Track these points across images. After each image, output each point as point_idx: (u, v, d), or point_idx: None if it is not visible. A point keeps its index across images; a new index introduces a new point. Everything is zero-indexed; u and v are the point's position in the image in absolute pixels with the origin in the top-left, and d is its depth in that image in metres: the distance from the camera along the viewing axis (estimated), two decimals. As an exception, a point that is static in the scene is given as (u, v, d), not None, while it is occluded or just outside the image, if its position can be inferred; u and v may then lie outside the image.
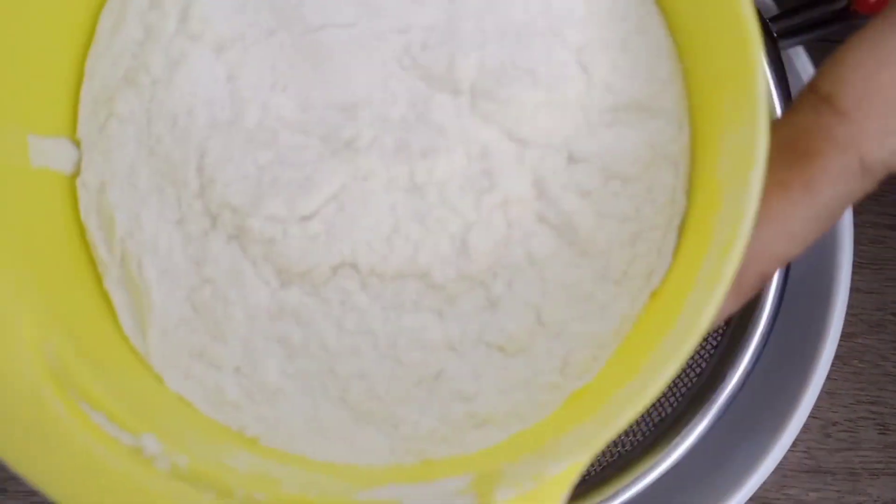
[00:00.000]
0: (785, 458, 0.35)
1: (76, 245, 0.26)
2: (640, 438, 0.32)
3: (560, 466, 0.20)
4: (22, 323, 0.23)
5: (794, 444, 0.35)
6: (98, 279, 0.26)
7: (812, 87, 0.24)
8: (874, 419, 0.46)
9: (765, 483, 0.35)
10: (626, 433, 0.33)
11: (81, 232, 0.26)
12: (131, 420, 0.23)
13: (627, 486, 0.31)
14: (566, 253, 0.24)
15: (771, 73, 0.33)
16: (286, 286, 0.25)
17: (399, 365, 0.24)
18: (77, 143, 0.26)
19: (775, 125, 0.24)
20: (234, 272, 0.25)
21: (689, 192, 0.24)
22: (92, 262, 0.26)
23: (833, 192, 0.23)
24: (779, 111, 0.32)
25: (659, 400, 0.33)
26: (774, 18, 0.33)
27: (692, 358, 0.33)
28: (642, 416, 0.33)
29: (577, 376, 0.24)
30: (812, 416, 0.35)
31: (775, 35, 0.33)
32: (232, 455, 0.24)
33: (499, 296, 0.24)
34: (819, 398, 0.35)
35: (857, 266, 0.36)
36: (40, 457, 0.22)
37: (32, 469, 0.21)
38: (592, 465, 0.33)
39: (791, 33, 0.34)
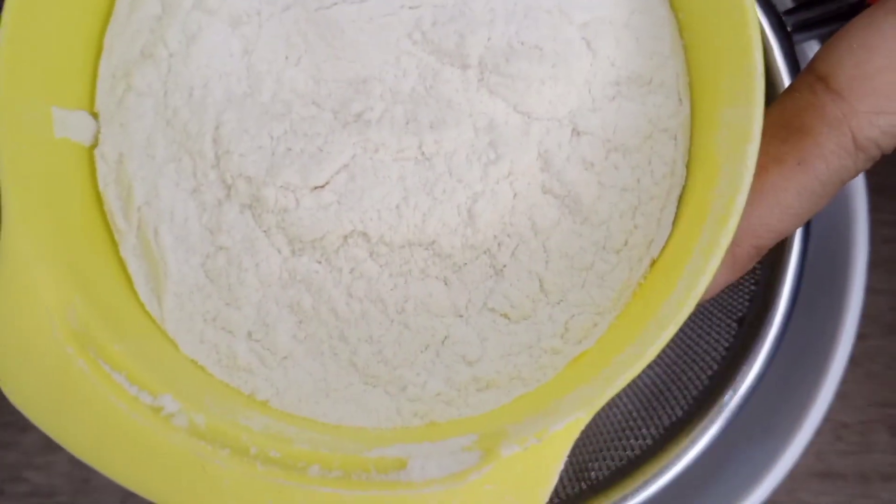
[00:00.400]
0: (795, 461, 0.34)
1: (93, 214, 0.27)
2: (650, 442, 0.32)
3: (562, 424, 0.21)
4: (45, 287, 0.24)
5: (805, 448, 0.34)
6: (114, 247, 0.27)
7: (810, 67, 0.25)
8: (886, 422, 0.45)
9: (775, 487, 0.34)
10: (636, 437, 0.32)
11: (98, 201, 0.27)
12: (150, 381, 0.24)
13: (636, 491, 0.31)
14: (569, 223, 0.25)
15: (785, 68, 0.32)
16: (298, 254, 0.26)
17: (407, 330, 0.25)
18: (95, 116, 0.27)
19: (774, 103, 0.25)
20: (248, 240, 0.26)
21: (689, 164, 0.25)
22: (108, 230, 0.27)
23: (826, 167, 0.24)
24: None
25: (669, 402, 0.33)
26: (789, 12, 0.33)
27: (703, 360, 0.33)
28: (652, 419, 0.33)
29: (577, 342, 0.25)
30: (823, 418, 0.35)
31: (789, 29, 0.33)
32: (246, 415, 0.25)
33: (504, 264, 0.25)
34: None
35: (870, 265, 0.35)
36: (65, 413, 0.23)
37: (57, 425, 0.23)
38: (601, 469, 0.32)
39: (805, 27, 0.33)
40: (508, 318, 0.25)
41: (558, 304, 0.25)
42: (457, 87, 0.25)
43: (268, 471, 0.23)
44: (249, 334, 0.26)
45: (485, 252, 0.25)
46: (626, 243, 0.25)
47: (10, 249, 0.24)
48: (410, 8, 0.26)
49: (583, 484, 0.32)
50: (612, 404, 0.35)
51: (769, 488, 0.34)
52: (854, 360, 0.35)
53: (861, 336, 0.35)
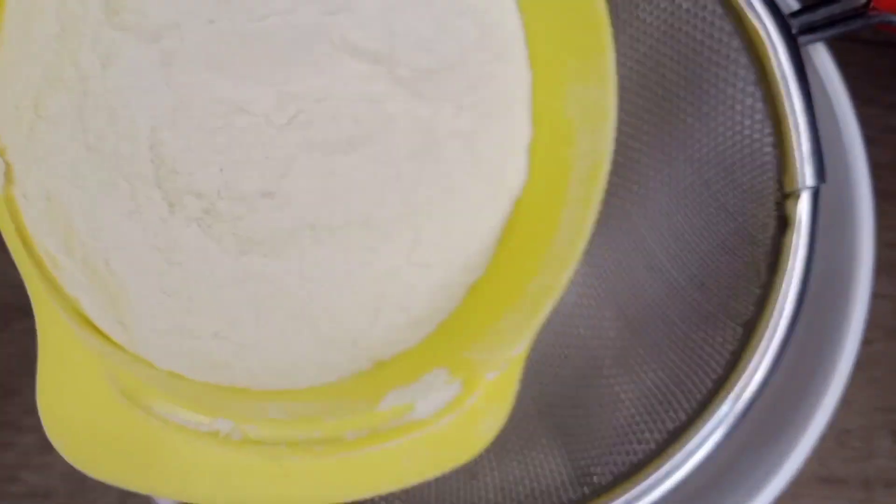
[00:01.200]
0: (799, 467, 0.34)
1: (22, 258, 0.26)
2: (654, 447, 0.32)
3: (521, 347, 0.27)
4: (83, 353, 0.24)
5: (809, 453, 0.34)
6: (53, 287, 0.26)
7: None
8: (890, 427, 0.45)
9: (778, 493, 0.34)
10: (639, 441, 0.32)
11: (24, 244, 0.26)
12: (200, 409, 0.25)
13: (640, 495, 0.31)
14: (466, 184, 0.29)
15: (791, 70, 0.32)
16: (248, 254, 0.27)
17: (355, 295, 0.28)
18: (1, 153, 0.25)
19: None
20: (200, 251, 0.26)
21: (534, 118, 0.30)
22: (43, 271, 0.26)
23: None
24: (798, 107, 0.32)
25: (673, 406, 0.32)
26: (794, 15, 0.33)
27: (708, 364, 0.33)
28: (655, 423, 0.32)
29: (472, 272, 0.30)
30: (828, 424, 0.34)
31: (794, 32, 0.32)
32: (267, 409, 0.27)
33: (420, 228, 0.29)
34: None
35: (876, 270, 0.35)
36: (150, 468, 0.24)
37: (146, 482, 0.24)
38: (603, 474, 0.32)
39: (811, 30, 0.33)
40: (429, 267, 0.29)
41: (461, 247, 0.30)
42: (385, 91, 0.28)
43: (326, 449, 0.25)
44: (216, 334, 0.27)
45: (406, 222, 0.29)
46: (497, 191, 0.30)
47: (47, 318, 0.23)
48: (331, 14, 0.27)
49: (585, 488, 0.32)
50: (614, 407, 0.34)
51: (773, 493, 0.34)
52: (858, 366, 0.34)
53: (865, 341, 0.35)
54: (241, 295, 0.27)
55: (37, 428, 0.44)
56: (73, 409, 0.23)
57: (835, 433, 0.45)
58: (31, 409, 0.44)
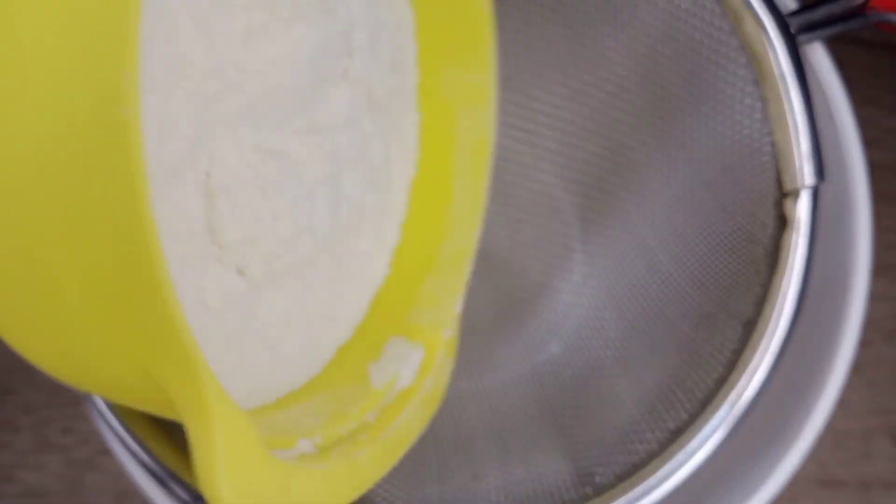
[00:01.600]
0: (796, 469, 0.34)
1: None
2: (655, 446, 0.32)
3: (459, 306, 0.32)
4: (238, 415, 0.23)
5: (806, 455, 0.34)
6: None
7: None
8: (888, 430, 0.45)
9: (775, 494, 0.34)
10: (640, 441, 0.32)
11: None
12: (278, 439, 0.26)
13: (642, 495, 0.31)
14: (388, 169, 0.33)
15: (789, 69, 0.32)
16: (269, 287, 0.27)
17: (326, 296, 0.31)
18: None
19: None
20: (237, 296, 0.26)
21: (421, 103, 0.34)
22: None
23: None
24: (797, 106, 0.32)
25: (674, 406, 0.32)
26: (793, 14, 0.33)
27: (709, 363, 0.33)
28: (657, 423, 0.32)
29: (394, 240, 0.33)
30: (825, 426, 0.34)
31: (793, 32, 0.33)
32: (301, 418, 0.28)
33: (376, 220, 0.32)
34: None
35: (873, 272, 0.35)
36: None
37: None
38: (604, 475, 0.32)
39: (809, 28, 0.33)
40: (368, 253, 0.32)
41: (389, 221, 0.33)
42: (362, 110, 0.31)
43: (369, 435, 0.28)
44: (233, 370, 0.26)
45: (369, 220, 0.32)
46: (394, 176, 0.33)
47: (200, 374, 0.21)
48: (342, 44, 0.29)
49: (587, 489, 0.32)
50: (615, 407, 0.34)
51: (769, 495, 0.34)
52: (856, 368, 0.34)
53: (863, 343, 0.35)
54: (257, 327, 0.27)
55: (32, 427, 0.44)
56: (247, 476, 0.20)
57: (832, 435, 0.44)
58: (27, 408, 0.44)
